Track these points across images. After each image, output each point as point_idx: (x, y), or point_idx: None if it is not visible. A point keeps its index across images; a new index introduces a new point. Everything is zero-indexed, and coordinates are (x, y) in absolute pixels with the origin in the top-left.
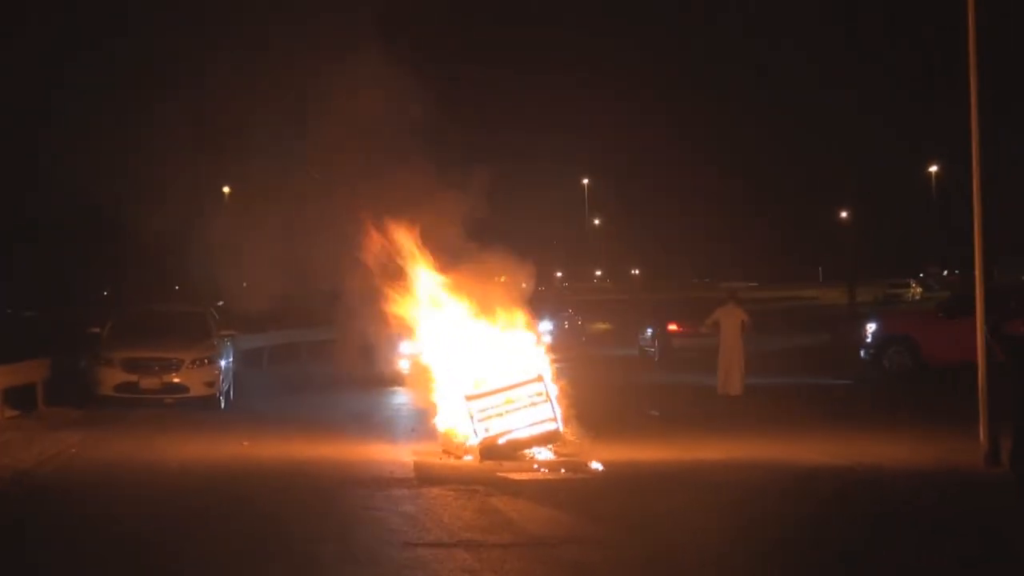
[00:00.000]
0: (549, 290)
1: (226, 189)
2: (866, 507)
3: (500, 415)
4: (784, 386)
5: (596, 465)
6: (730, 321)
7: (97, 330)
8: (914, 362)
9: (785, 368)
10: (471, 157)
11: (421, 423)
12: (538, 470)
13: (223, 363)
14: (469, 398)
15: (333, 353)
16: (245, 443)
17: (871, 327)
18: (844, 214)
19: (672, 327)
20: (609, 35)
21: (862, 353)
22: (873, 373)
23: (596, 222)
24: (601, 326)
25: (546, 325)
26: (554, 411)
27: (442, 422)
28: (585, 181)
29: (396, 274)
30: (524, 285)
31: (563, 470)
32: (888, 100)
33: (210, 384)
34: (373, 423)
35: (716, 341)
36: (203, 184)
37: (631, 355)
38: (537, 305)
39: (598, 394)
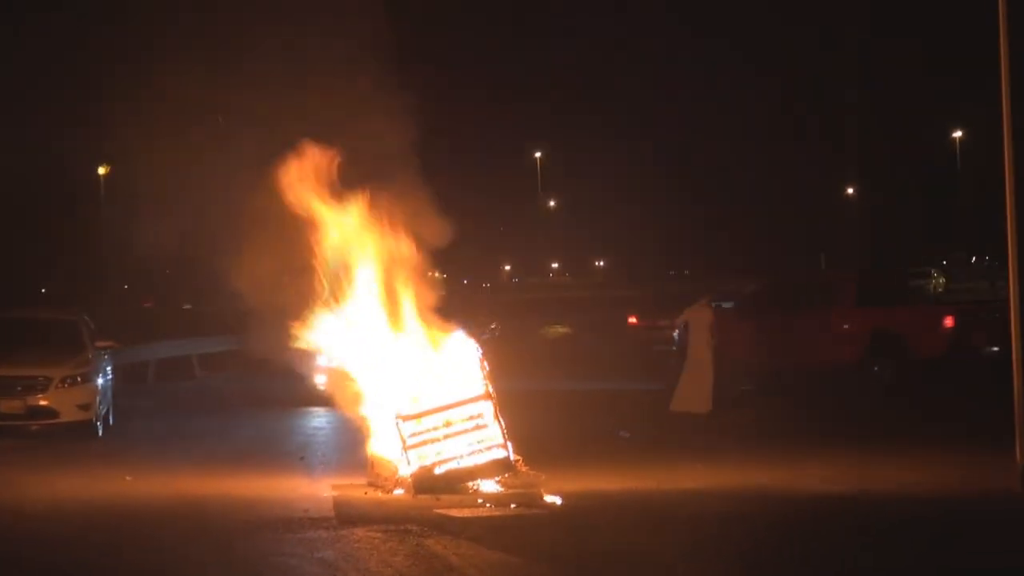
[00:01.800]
0: (459, 291)
1: (101, 170)
2: (877, 544)
3: (437, 440)
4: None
5: (552, 498)
6: (699, 324)
7: None
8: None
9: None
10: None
11: (338, 450)
12: (483, 505)
13: (100, 381)
14: (400, 419)
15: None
16: (128, 478)
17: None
18: (851, 190)
19: (632, 320)
20: None
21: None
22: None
23: (551, 204)
24: (558, 330)
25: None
26: (503, 435)
27: (367, 449)
28: (538, 155)
29: (309, 269)
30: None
31: (513, 505)
32: (906, 57)
33: (85, 407)
34: (283, 451)
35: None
36: (73, 161)
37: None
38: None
39: (554, 411)
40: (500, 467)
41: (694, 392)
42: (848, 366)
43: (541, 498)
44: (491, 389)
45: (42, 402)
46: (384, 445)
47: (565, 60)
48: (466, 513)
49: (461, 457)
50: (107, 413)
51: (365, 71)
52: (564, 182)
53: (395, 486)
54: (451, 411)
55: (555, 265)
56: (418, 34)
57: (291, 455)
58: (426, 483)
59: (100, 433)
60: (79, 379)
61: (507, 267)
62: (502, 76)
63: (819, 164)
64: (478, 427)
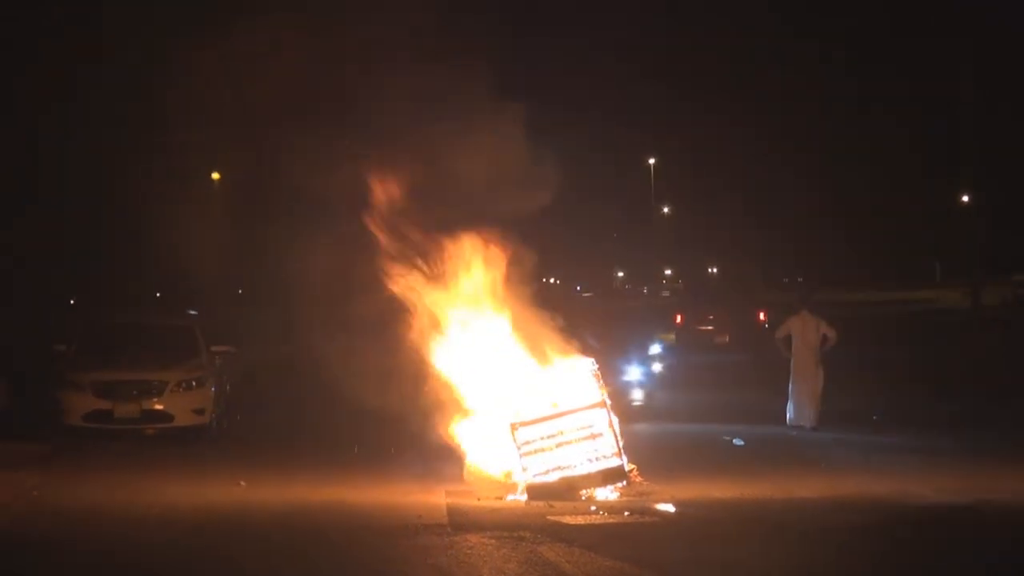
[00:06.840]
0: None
1: (215, 175)
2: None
3: (552, 448)
4: None
5: (666, 506)
6: (804, 335)
7: (63, 347)
8: None
9: None
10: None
11: (449, 457)
12: (596, 513)
13: (215, 385)
14: (515, 426)
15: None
16: (241, 483)
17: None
18: (966, 198)
19: (677, 319)
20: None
21: None
22: None
23: (665, 210)
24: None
25: None
26: (617, 444)
27: (481, 456)
28: (652, 161)
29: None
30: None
31: (626, 512)
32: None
33: (199, 411)
34: (395, 457)
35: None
36: (191, 170)
37: None
38: None
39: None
40: (614, 476)
41: (803, 404)
42: None
43: (655, 506)
44: (606, 398)
45: (157, 406)
46: (498, 452)
47: (682, 66)
48: (579, 520)
49: (574, 466)
50: (222, 417)
51: (481, 84)
52: (679, 190)
53: (508, 492)
54: (564, 419)
55: (668, 272)
56: (531, 42)
57: (403, 461)
58: (540, 490)
59: (215, 437)
60: (194, 383)
61: (620, 273)
62: (620, 82)
63: (940, 168)
64: (592, 436)
